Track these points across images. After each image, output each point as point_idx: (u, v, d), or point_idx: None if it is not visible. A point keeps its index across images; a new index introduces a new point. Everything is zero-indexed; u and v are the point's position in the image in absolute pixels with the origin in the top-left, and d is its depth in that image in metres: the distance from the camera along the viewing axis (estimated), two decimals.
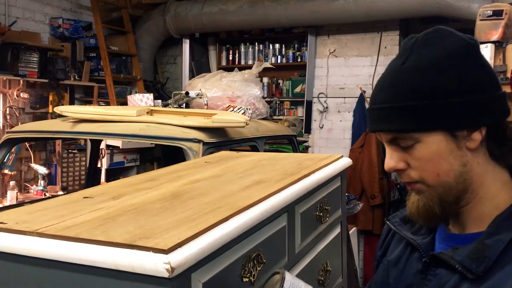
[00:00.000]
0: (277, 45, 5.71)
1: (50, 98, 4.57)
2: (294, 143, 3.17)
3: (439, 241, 0.91)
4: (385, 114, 0.85)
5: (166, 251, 0.64)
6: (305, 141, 5.44)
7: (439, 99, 0.80)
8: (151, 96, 3.19)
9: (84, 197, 0.95)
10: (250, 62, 5.71)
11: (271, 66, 4.07)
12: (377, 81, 0.89)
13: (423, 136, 0.82)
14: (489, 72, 0.84)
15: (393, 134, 0.85)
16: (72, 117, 2.44)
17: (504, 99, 0.84)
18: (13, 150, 3.82)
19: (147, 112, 2.46)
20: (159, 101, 3.38)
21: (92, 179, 3.36)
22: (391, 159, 0.87)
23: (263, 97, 3.85)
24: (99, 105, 4.86)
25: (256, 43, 5.81)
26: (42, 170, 4.26)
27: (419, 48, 0.84)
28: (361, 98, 5.21)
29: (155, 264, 0.62)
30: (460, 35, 0.85)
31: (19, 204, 3.40)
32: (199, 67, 5.92)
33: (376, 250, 1.12)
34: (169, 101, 3.28)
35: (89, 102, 5.05)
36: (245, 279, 0.82)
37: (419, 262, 0.91)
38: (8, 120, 4.21)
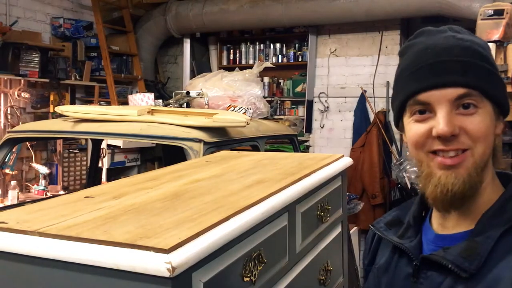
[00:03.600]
0: (278, 45, 5.71)
1: (51, 97, 4.58)
2: (295, 142, 3.17)
3: (427, 243, 0.90)
4: (463, 66, 0.81)
5: (167, 251, 0.64)
6: (306, 141, 5.44)
7: (498, 72, 0.83)
8: (152, 95, 3.19)
9: (85, 197, 0.95)
10: (251, 61, 5.71)
11: (271, 65, 4.07)
12: (427, 47, 0.84)
13: (485, 103, 0.81)
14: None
15: (465, 89, 0.80)
16: (73, 116, 2.44)
17: None
18: (14, 149, 3.82)
19: (148, 112, 2.46)
20: (160, 100, 3.38)
21: (93, 178, 3.37)
22: (449, 123, 0.80)
23: (264, 97, 3.85)
24: (100, 104, 4.86)
25: (257, 43, 5.81)
26: (43, 169, 4.26)
27: (456, 32, 0.86)
28: (362, 98, 5.20)
29: (156, 264, 0.62)
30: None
31: (20, 203, 3.40)
32: (200, 67, 5.92)
33: (363, 259, 1.09)
34: (170, 101, 3.28)
35: (90, 102, 5.05)
36: (246, 279, 0.82)
37: (409, 266, 0.89)
38: (9, 120, 4.21)
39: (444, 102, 0.81)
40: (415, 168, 4.76)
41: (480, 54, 0.83)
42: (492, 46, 3.19)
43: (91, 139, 3.45)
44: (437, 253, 0.83)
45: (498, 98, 0.83)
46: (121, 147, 4.84)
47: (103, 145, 4.29)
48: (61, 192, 4.37)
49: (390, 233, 0.96)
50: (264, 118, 3.42)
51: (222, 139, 2.20)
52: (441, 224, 0.89)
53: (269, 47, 5.75)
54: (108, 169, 4.72)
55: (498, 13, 3.23)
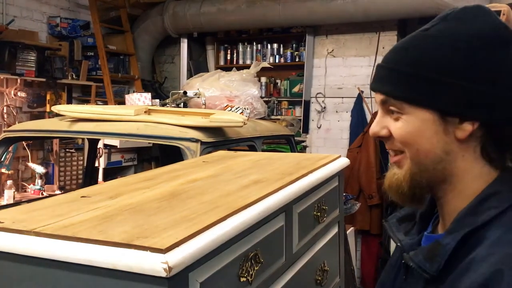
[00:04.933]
0: (275, 45, 5.71)
1: (48, 97, 4.56)
2: (292, 143, 3.17)
3: (424, 242, 0.89)
4: (383, 74, 0.83)
5: (163, 251, 0.64)
6: (303, 141, 5.45)
7: (444, 77, 0.76)
8: (149, 95, 3.19)
9: (82, 197, 0.95)
10: (248, 61, 5.71)
11: (269, 65, 4.07)
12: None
13: (411, 108, 0.79)
14: (509, 70, 0.77)
15: (384, 96, 0.83)
16: (69, 116, 2.43)
17: None
18: (10, 149, 3.81)
19: (145, 112, 2.46)
20: (157, 100, 3.38)
21: (89, 178, 3.36)
22: (377, 124, 0.85)
23: (261, 97, 3.85)
24: (97, 104, 4.85)
25: (254, 43, 5.81)
26: (40, 169, 4.25)
27: (450, 19, 0.80)
28: (359, 98, 5.21)
29: (153, 264, 0.62)
30: (497, 21, 0.80)
31: (16, 203, 3.39)
32: (197, 67, 5.92)
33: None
34: (167, 101, 3.27)
35: (86, 101, 5.04)
36: (242, 279, 0.82)
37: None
38: (5, 119, 4.20)
39: (379, 105, 0.86)
40: None
41: (421, 59, 0.78)
42: None
43: (88, 138, 3.44)
44: (411, 253, 0.83)
45: (439, 105, 0.77)
46: (118, 146, 4.83)
47: (100, 145, 4.28)
48: (58, 191, 4.36)
49: (399, 229, 0.96)
50: (261, 118, 3.42)
51: (219, 139, 2.20)
52: (439, 224, 0.90)
53: (267, 47, 5.75)
54: (104, 169, 4.72)
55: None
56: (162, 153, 5.04)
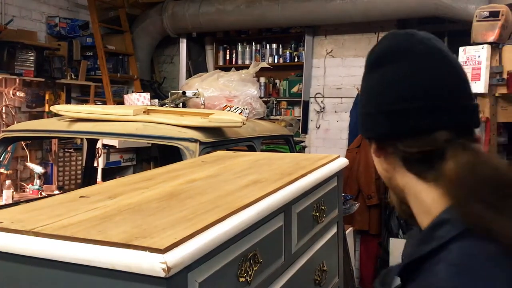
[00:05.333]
0: (274, 45, 5.71)
1: (47, 97, 4.56)
2: (291, 143, 3.17)
3: None
4: None
5: (162, 251, 0.64)
6: (302, 141, 5.44)
7: (361, 108, 0.84)
8: (148, 95, 3.19)
9: (81, 197, 0.95)
10: (247, 62, 5.71)
11: (268, 66, 4.07)
12: None
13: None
14: (387, 85, 0.77)
15: None
16: (68, 116, 2.43)
17: (390, 114, 0.76)
18: (9, 149, 3.81)
19: (144, 112, 2.46)
20: (156, 100, 3.38)
21: (88, 178, 3.35)
22: None
23: (260, 97, 3.85)
24: (96, 104, 4.85)
25: (253, 43, 5.81)
26: (38, 169, 4.24)
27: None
28: (358, 99, 5.21)
29: (152, 264, 0.62)
30: (397, 39, 0.79)
31: (15, 203, 3.39)
32: (196, 67, 5.92)
33: None
34: (166, 101, 3.27)
35: (85, 101, 5.03)
36: (241, 279, 0.82)
37: None
38: (4, 119, 4.19)
39: None
40: None
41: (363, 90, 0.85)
42: (487, 47, 3.20)
43: (87, 138, 3.44)
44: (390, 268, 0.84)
45: (361, 131, 0.85)
46: (117, 146, 4.83)
47: (99, 145, 4.28)
48: (56, 191, 4.36)
49: (409, 242, 0.97)
50: (260, 119, 3.42)
51: (218, 139, 2.20)
52: None
53: (266, 47, 5.75)
54: (103, 169, 4.71)
55: (494, 15, 3.24)
56: (161, 153, 5.04)
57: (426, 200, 0.76)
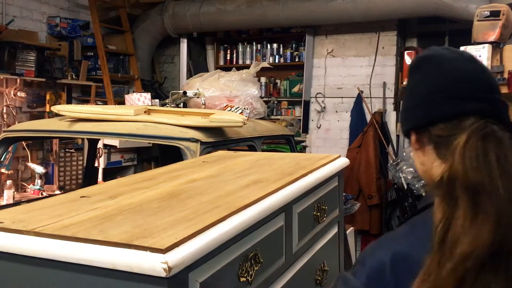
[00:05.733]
0: (275, 45, 5.71)
1: (47, 97, 4.56)
2: (291, 143, 3.17)
3: None
4: None
5: (163, 251, 0.64)
6: (303, 141, 5.44)
7: (403, 106, 0.94)
8: (148, 95, 3.19)
9: (81, 197, 0.95)
10: (248, 61, 5.71)
11: (269, 65, 4.06)
12: None
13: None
14: (421, 84, 0.90)
15: None
16: (69, 116, 2.43)
17: (423, 105, 0.88)
18: (10, 149, 3.81)
19: (145, 112, 2.46)
20: (157, 100, 3.38)
21: (89, 178, 3.35)
22: None
23: (261, 97, 3.84)
24: (97, 104, 4.85)
25: (254, 43, 5.81)
26: (39, 169, 4.25)
27: None
28: (359, 98, 5.21)
29: (153, 264, 0.62)
30: (433, 48, 0.93)
31: (16, 203, 3.39)
32: (197, 67, 5.92)
33: None
34: (167, 101, 3.27)
35: (86, 101, 5.04)
36: (242, 279, 0.82)
37: None
38: (5, 119, 4.20)
39: None
40: (411, 169, 4.74)
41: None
42: (488, 47, 3.20)
43: (87, 138, 3.44)
44: None
45: (405, 126, 0.93)
46: (118, 146, 4.83)
47: (100, 145, 4.28)
48: (57, 191, 4.36)
49: None
50: (261, 118, 3.42)
51: (219, 139, 2.20)
52: None
53: (266, 47, 5.75)
54: (104, 169, 4.71)
55: (495, 14, 3.24)
56: (162, 153, 5.04)
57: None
